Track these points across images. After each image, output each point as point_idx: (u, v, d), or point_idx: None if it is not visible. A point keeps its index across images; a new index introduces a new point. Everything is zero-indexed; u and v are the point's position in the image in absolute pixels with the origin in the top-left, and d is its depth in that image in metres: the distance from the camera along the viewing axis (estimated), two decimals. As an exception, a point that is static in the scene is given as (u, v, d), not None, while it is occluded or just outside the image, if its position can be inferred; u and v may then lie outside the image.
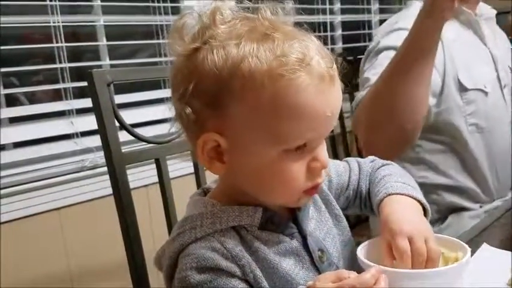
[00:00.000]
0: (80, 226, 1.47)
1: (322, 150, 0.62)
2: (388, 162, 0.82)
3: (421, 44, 1.03)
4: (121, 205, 0.92)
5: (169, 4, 1.73)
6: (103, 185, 1.43)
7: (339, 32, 2.41)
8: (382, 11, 2.63)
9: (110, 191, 0.93)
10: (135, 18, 1.75)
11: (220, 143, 0.60)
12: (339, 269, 0.69)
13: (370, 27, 2.58)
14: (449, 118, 1.26)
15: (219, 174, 0.65)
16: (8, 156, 1.39)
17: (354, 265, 0.66)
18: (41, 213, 1.40)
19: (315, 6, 2.27)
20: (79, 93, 1.53)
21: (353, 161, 0.81)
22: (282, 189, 0.62)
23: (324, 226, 0.71)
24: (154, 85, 1.68)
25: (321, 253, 0.68)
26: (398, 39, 1.09)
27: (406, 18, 1.08)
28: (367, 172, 0.79)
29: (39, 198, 1.40)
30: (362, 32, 2.55)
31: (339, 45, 2.41)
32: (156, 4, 1.71)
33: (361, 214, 0.82)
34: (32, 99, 1.57)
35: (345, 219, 0.75)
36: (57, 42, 1.47)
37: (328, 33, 2.32)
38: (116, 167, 0.91)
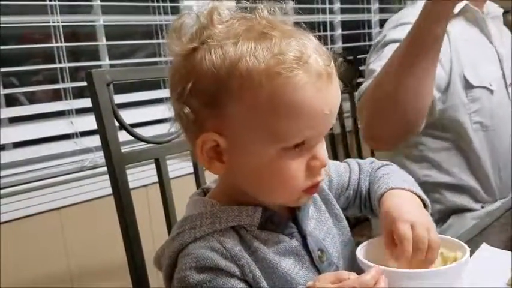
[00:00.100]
0: (80, 226, 1.47)
1: (322, 149, 0.62)
2: (388, 162, 0.82)
3: (428, 30, 1.02)
4: (121, 205, 0.92)
5: (168, 4, 1.73)
6: (103, 185, 1.43)
7: (338, 31, 2.41)
8: (381, 10, 2.63)
9: (109, 191, 0.93)
10: (135, 18, 1.75)
11: (219, 142, 0.60)
12: (338, 268, 0.69)
13: (369, 27, 2.58)
14: (454, 115, 1.26)
15: (218, 174, 0.65)
16: (8, 156, 1.39)
17: (354, 265, 0.66)
18: (41, 213, 1.40)
19: (314, 6, 2.27)
20: (79, 93, 1.53)
21: (353, 162, 0.81)
22: (281, 188, 0.61)
23: (323, 226, 0.71)
24: (154, 85, 1.68)
25: (320, 253, 0.68)
26: (404, 33, 1.08)
27: (413, 14, 1.08)
28: (367, 172, 0.79)
29: (39, 198, 1.40)
30: (362, 31, 2.55)
31: (339, 45, 2.40)
32: (155, 4, 1.71)
33: (360, 215, 0.82)
34: (32, 99, 1.57)
35: (345, 219, 0.75)
36: (56, 42, 1.46)
37: (328, 33, 2.32)
38: (115, 167, 0.91)
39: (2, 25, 1.36)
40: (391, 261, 0.64)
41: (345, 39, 2.46)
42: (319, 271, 0.67)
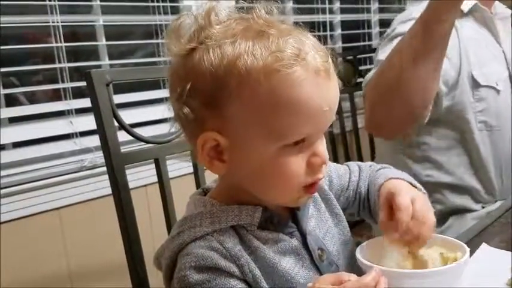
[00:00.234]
0: (80, 226, 1.47)
1: (322, 146, 0.62)
2: (387, 166, 0.82)
3: (436, 22, 1.01)
4: (120, 205, 0.92)
5: (168, 4, 1.73)
6: (102, 185, 1.43)
7: (338, 31, 2.41)
8: (381, 10, 2.63)
9: (109, 190, 0.93)
10: (134, 18, 1.75)
11: (219, 141, 0.60)
12: (338, 268, 0.69)
13: (369, 27, 2.58)
14: (460, 114, 1.27)
15: (219, 174, 0.65)
16: (8, 156, 1.38)
17: (354, 265, 0.67)
18: (41, 213, 1.40)
19: (314, 6, 2.27)
20: (78, 93, 1.53)
21: (353, 164, 0.82)
22: (282, 186, 0.61)
23: (323, 225, 0.72)
24: (154, 85, 1.68)
25: (320, 252, 0.68)
26: None
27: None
28: (366, 173, 0.80)
29: (38, 198, 1.40)
30: (362, 31, 2.55)
31: (339, 45, 2.40)
32: (155, 4, 1.71)
33: (358, 218, 0.82)
34: (32, 99, 1.56)
35: (345, 219, 0.75)
36: (56, 42, 1.46)
37: (328, 33, 2.32)
38: (115, 167, 0.91)
39: (1, 25, 1.36)
40: (385, 240, 0.64)
41: (345, 39, 2.45)
42: (319, 270, 0.67)
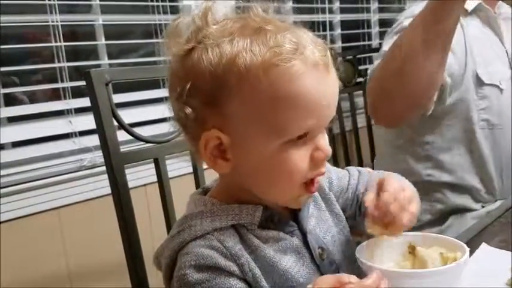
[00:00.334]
0: (79, 225, 1.46)
1: (324, 140, 0.63)
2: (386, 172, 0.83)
3: (437, 16, 1.01)
4: (120, 204, 0.92)
5: (168, 3, 1.72)
6: (102, 185, 1.42)
7: (338, 31, 2.41)
8: (381, 10, 2.63)
9: (108, 190, 0.93)
10: (134, 17, 1.75)
11: (222, 140, 0.60)
12: (338, 267, 0.69)
13: (369, 27, 2.57)
14: (463, 111, 1.27)
15: (223, 173, 0.65)
16: (7, 155, 1.38)
17: (354, 264, 0.66)
18: (40, 213, 1.40)
19: (314, 5, 2.27)
20: (78, 93, 1.53)
21: (353, 169, 0.83)
22: (285, 181, 0.61)
23: (324, 224, 0.72)
24: (153, 84, 1.68)
25: (321, 250, 0.68)
26: None
27: None
28: (365, 177, 0.80)
29: (37, 197, 1.39)
30: (361, 31, 2.55)
31: (338, 45, 2.40)
32: (154, 3, 1.70)
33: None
34: (31, 98, 1.56)
35: (344, 219, 0.76)
36: (55, 41, 1.46)
37: (328, 32, 2.32)
38: (114, 167, 0.91)
39: (1, 24, 1.36)
40: (366, 220, 0.65)
41: (345, 38, 2.45)
42: (319, 269, 0.67)
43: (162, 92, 1.67)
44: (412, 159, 1.34)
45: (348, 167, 0.83)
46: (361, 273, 0.61)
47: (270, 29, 0.59)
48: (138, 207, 0.96)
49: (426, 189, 1.34)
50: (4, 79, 1.43)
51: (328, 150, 0.62)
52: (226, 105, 0.59)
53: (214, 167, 0.63)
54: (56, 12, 1.45)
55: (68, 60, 1.49)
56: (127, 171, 0.94)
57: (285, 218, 0.67)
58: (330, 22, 2.37)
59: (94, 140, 1.38)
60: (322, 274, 0.67)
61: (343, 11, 2.43)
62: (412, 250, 0.67)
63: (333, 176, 0.77)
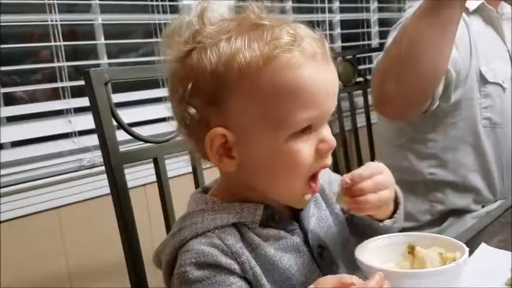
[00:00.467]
0: (78, 225, 1.46)
1: (328, 131, 0.63)
2: None
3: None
4: (119, 204, 0.92)
5: (167, 3, 1.72)
6: (101, 184, 1.42)
7: (338, 30, 2.41)
8: (380, 9, 2.63)
9: (108, 190, 0.92)
10: (133, 16, 1.75)
11: (227, 137, 0.61)
12: (338, 266, 0.70)
13: (369, 26, 2.57)
14: (467, 109, 1.27)
15: (229, 171, 0.65)
16: (6, 155, 1.38)
17: (354, 264, 0.67)
18: (39, 212, 1.40)
19: (314, 5, 2.27)
20: (77, 92, 1.53)
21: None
22: (291, 175, 0.62)
23: (324, 224, 0.72)
24: (152, 84, 1.68)
25: (321, 249, 0.69)
26: None
27: None
28: None
29: (37, 197, 1.39)
30: (361, 30, 2.55)
31: (338, 44, 2.40)
32: (154, 3, 1.70)
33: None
34: (30, 98, 1.56)
35: (344, 219, 0.76)
36: (55, 40, 1.46)
37: (327, 32, 2.31)
38: (113, 166, 0.91)
39: (0, 24, 1.35)
40: (338, 191, 0.66)
41: (344, 38, 2.45)
42: (319, 268, 0.67)
43: (162, 92, 1.67)
44: (414, 158, 1.34)
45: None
46: (360, 273, 0.62)
47: (266, 24, 0.60)
48: (138, 207, 0.96)
49: (428, 188, 1.34)
50: (4, 79, 1.43)
51: (333, 141, 0.63)
52: (229, 102, 0.60)
53: (220, 165, 0.64)
54: (55, 12, 1.45)
55: (68, 60, 1.49)
56: (126, 171, 0.94)
57: (285, 217, 0.68)
58: (330, 22, 2.37)
59: (93, 140, 1.38)
60: (322, 273, 0.67)
61: (342, 10, 2.43)
62: (411, 250, 0.67)
63: (333, 179, 0.78)
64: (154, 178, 1.02)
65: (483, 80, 1.27)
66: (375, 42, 2.59)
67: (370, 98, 1.76)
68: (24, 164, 1.41)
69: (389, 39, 1.24)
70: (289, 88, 0.58)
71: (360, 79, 2.01)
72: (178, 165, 1.35)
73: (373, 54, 2.35)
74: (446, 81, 1.18)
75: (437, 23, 1.01)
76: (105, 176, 0.93)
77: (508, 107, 1.31)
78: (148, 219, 1.44)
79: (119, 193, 0.92)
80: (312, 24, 0.65)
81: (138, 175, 1.42)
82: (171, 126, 1.58)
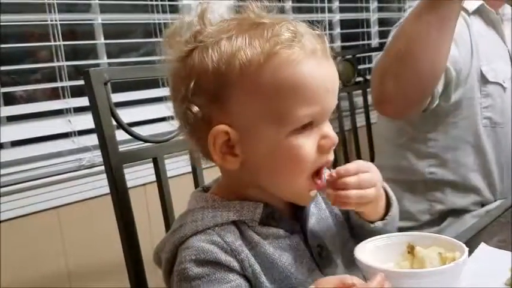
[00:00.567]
0: (78, 225, 1.46)
1: (329, 128, 0.64)
2: None
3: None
4: (118, 204, 0.92)
5: (167, 2, 1.72)
6: (101, 184, 1.42)
7: (337, 30, 2.41)
8: (380, 9, 2.63)
9: (107, 189, 0.92)
10: (133, 16, 1.75)
11: (230, 134, 0.61)
12: (337, 266, 0.70)
13: (368, 26, 2.57)
14: (468, 109, 1.27)
15: (232, 170, 0.65)
16: (6, 154, 1.38)
17: (353, 263, 0.67)
18: (39, 212, 1.40)
19: (313, 5, 2.27)
20: (77, 92, 1.53)
21: None
22: (294, 171, 0.62)
23: (323, 223, 0.72)
24: (152, 84, 1.68)
25: (320, 249, 0.69)
26: None
27: None
28: None
29: (36, 197, 1.39)
30: (361, 30, 2.55)
31: (338, 44, 2.40)
32: (154, 2, 1.70)
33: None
34: (30, 97, 1.56)
35: (343, 219, 0.76)
36: (54, 40, 1.46)
37: (327, 32, 2.32)
38: (113, 166, 0.91)
39: (0, 23, 1.35)
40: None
41: (344, 38, 2.45)
42: (318, 267, 0.68)
43: (161, 92, 1.67)
44: (414, 157, 1.34)
45: None
46: (360, 273, 0.62)
47: (266, 23, 0.61)
48: (137, 206, 0.96)
49: (427, 187, 1.34)
50: (3, 78, 1.43)
51: (335, 137, 0.63)
52: (231, 100, 0.60)
53: (224, 164, 0.64)
54: (55, 12, 1.45)
55: (67, 60, 1.49)
56: (126, 170, 0.94)
57: (285, 216, 0.68)
58: (330, 21, 2.37)
59: (93, 140, 1.38)
60: (321, 272, 0.68)
61: (342, 10, 2.43)
62: (411, 250, 0.67)
63: None
64: (154, 178, 1.02)
65: (484, 80, 1.27)
66: (374, 42, 2.59)
67: (369, 97, 1.76)
68: (24, 163, 1.42)
69: (390, 39, 1.24)
70: (290, 84, 0.59)
71: (360, 79, 2.01)
72: (178, 165, 1.35)
73: (373, 54, 2.35)
74: (446, 80, 1.18)
75: (435, 21, 1.01)
76: (104, 175, 0.93)
77: (508, 107, 1.32)
78: (148, 219, 1.44)
79: (119, 193, 0.91)
80: (311, 24, 0.65)
81: (138, 175, 1.42)
82: (170, 126, 1.58)
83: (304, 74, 0.59)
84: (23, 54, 1.53)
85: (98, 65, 1.61)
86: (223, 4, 0.68)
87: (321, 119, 0.62)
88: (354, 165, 0.66)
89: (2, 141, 1.37)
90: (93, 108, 0.91)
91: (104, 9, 1.61)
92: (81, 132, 1.51)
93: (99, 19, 1.59)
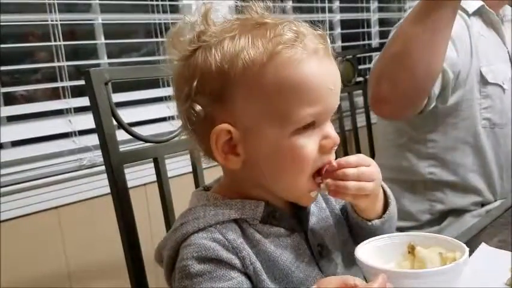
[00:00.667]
0: (78, 225, 1.46)
1: (331, 128, 0.64)
2: None
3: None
4: (119, 204, 0.92)
5: (167, 2, 1.72)
6: (101, 184, 1.42)
7: (338, 30, 2.41)
8: (381, 9, 2.63)
9: (108, 189, 0.93)
10: (133, 16, 1.75)
11: (232, 133, 0.62)
12: (337, 265, 0.70)
13: (369, 26, 2.57)
14: (467, 110, 1.28)
15: (234, 169, 0.65)
16: (6, 154, 1.38)
17: (353, 263, 0.67)
18: (39, 212, 1.40)
19: (314, 5, 2.26)
20: (77, 92, 1.53)
21: None
22: (296, 170, 0.62)
23: (324, 223, 0.73)
24: (153, 84, 1.68)
25: (320, 248, 0.69)
26: None
27: None
28: None
29: (37, 196, 1.39)
30: (361, 30, 2.55)
31: (338, 44, 2.40)
32: (154, 2, 1.70)
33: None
34: (30, 97, 1.56)
35: (343, 219, 0.76)
36: (55, 40, 1.46)
37: (327, 32, 2.31)
38: (113, 166, 0.91)
39: (0, 23, 1.35)
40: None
41: (344, 38, 2.45)
42: (318, 266, 0.68)
43: (162, 92, 1.67)
44: (415, 157, 1.35)
45: None
46: (360, 273, 0.62)
47: (269, 23, 0.61)
48: (138, 206, 0.96)
49: (427, 187, 1.34)
50: (3, 78, 1.43)
51: (336, 137, 0.64)
52: (233, 99, 0.61)
53: (226, 163, 0.64)
54: (55, 12, 1.45)
55: (68, 60, 1.49)
56: (126, 170, 0.94)
57: (286, 215, 0.68)
58: (330, 21, 2.37)
59: (93, 140, 1.38)
60: (320, 271, 0.68)
61: (342, 10, 2.43)
62: (411, 250, 0.67)
63: None
64: (154, 178, 1.02)
65: (483, 81, 1.28)
66: (375, 42, 2.59)
67: (369, 98, 1.76)
68: (24, 163, 1.41)
69: (388, 41, 1.24)
70: (292, 84, 0.59)
71: (360, 79, 2.01)
72: (178, 165, 1.36)
73: (374, 54, 2.35)
74: (444, 83, 1.18)
75: (431, 23, 1.01)
76: (105, 175, 0.93)
77: (507, 108, 1.32)
78: (148, 219, 1.45)
79: (119, 193, 0.92)
80: (313, 24, 0.66)
81: (139, 175, 1.42)
82: (171, 126, 1.58)
83: (306, 74, 0.59)
84: (23, 54, 1.53)
85: (98, 65, 1.61)
86: (224, 4, 0.68)
87: (323, 119, 0.63)
88: (355, 157, 0.67)
89: (2, 141, 1.37)
90: (93, 108, 0.91)
91: (104, 9, 1.61)
92: (82, 132, 1.51)
93: (99, 19, 1.59)
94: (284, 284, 0.64)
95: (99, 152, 0.95)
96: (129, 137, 1.01)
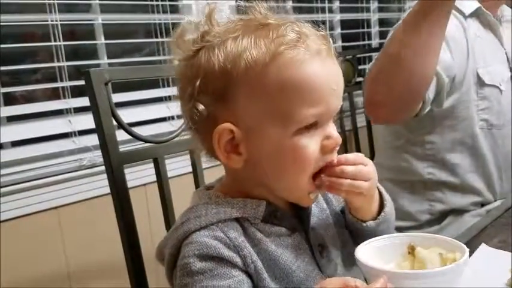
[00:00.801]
0: (78, 225, 1.46)
1: (333, 128, 0.64)
2: None
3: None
4: (119, 204, 0.92)
5: (167, 2, 1.72)
6: (101, 184, 1.42)
7: (338, 30, 2.41)
8: (381, 9, 2.63)
9: (108, 189, 0.92)
10: (133, 16, 1.75)
11: (234, 133, 0.62)
12: (337, 266, 0.70)
13: (369, 26, 2.57)
14: (464, 111, 1.28)
15: (236, 168, 0.65)
16: (6, 154, 1.38)
17: (353, 263, 0.67)
18: (39, 212, 1.40)
19: (314, 5, 2.27)
20: (77, 92, 1.53)
21: None
22: (297, 171, 0.63)
23: (324, 223, 0.73)
24: (152, 84, 1.68)
25: (321, 248, 0.69)
26: None
27: None
28: None
29: (37, 197, 1.39)
30: (361, 30, 2.55)
31: (338, 44, 2.40)
32: (154, 2, 1.70)
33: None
34: (30, 97, 1.56)
35: (343, 219, 0.76)
36: (55, 40, 1.46)
37: (327, 32, 2.31)
38: (113, 166, 0.91)
39: (0, 23, 1.35)
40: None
41: (345, 38, 2.45)
42: (319, 266, 0.68)
43: (162, 92, 1.67)
44: (413, 159, 1.35)
45: None
46: (360, 274, 0.62)
47: (272, 23, 0.62)
48: (138, 206, 0.96)
49: (427, 188, 1.35)
50: (3, 78, 1.43)
51: (338, 138, 0.64)
52: (236, 99, 0.61)
53: (228, 162, 0.64)
54: (55, 12, 1.45)
55: (68, 60, 1.49)
56: (126, 170, 0.94)
57: (287, 214, 0.68)
58: (330, 21, 2.37)
59: (93, 140, 1.38)
60: (320, 271, 0.68)
61: (343, 10, 2.43)
62: (411, 251, 0.67)
63: None
64: (154, 178, 1.02)
65: (480, 82, 1.27)
66: (375, 42, 2.59)
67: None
68: (24, 163, 1.42)
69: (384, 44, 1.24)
70: (295, 84, 0.59)
71: (360, 79, 2.01)
72: (178, 165, 1.36)
73: (374, 54, 2.35)
74: (438, 87, 1.18)
75: (426, 26, 1.01)
76: (105, 175, 0.93)
77: (505, 109, 1.32)
78: (148, 219, 1.44)
79: (119, 193, 0.92)
80: (316, 25, 0.66)
81: (138, 175, 1.42)
82: (171, 126, 1.58)
83: (308, 74, 0.60)
84: (23, 54, 1.53)
85: (98, 65, 1.61)
86: (226, 4, 0.68)
87: (325, 119, 0.63)
88: (354, 156, 0.67)
89: (2, 141, 1.37)
90: (93, 108, 0.91)
91: (104, 9, 1.61)
92: (82, 133, 1.51)
93: (99, 19, 1.59)
94: (284, 283, 0.64)
95: (99, 152, 0.95)
96: (129, 137, 1.01)
